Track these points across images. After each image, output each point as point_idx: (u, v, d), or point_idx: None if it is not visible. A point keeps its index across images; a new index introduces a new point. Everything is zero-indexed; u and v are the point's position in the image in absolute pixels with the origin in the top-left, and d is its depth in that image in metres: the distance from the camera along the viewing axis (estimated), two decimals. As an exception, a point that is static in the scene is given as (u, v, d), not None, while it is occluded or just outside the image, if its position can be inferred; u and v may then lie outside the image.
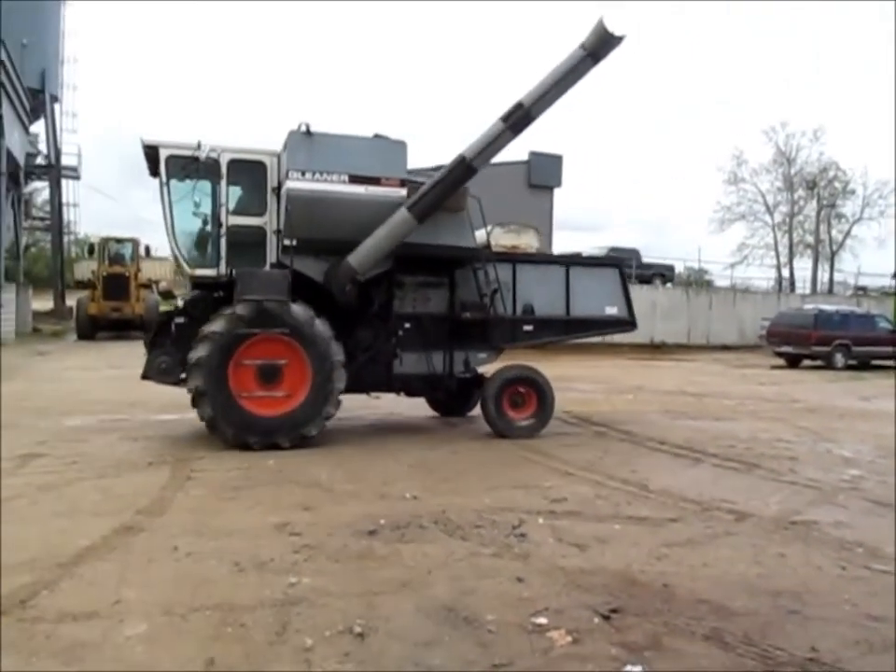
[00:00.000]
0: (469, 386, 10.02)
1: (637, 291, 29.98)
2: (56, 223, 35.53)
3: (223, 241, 8.51)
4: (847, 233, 49.90)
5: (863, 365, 22.87)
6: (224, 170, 8.48)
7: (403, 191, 8.43)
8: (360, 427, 10.23)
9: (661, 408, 12.55)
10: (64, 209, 36.09)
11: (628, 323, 10.56)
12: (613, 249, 31.72)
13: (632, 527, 5.54)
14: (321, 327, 8.22)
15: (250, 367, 8.09)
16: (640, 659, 3.42)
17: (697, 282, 41.52)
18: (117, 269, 26.22)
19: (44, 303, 33.67)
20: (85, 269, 30.99)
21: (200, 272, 8.67)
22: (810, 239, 49.52)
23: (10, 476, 6.76)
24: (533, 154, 35.03)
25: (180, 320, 8.76)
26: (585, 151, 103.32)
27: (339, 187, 8.21)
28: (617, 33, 7.77)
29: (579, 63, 8.05)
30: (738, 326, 32.35)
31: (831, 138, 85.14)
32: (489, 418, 9.32)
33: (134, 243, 27.13)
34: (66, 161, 35.08)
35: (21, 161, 29.20)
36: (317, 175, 8.13)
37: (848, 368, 22.30)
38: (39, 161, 34.33)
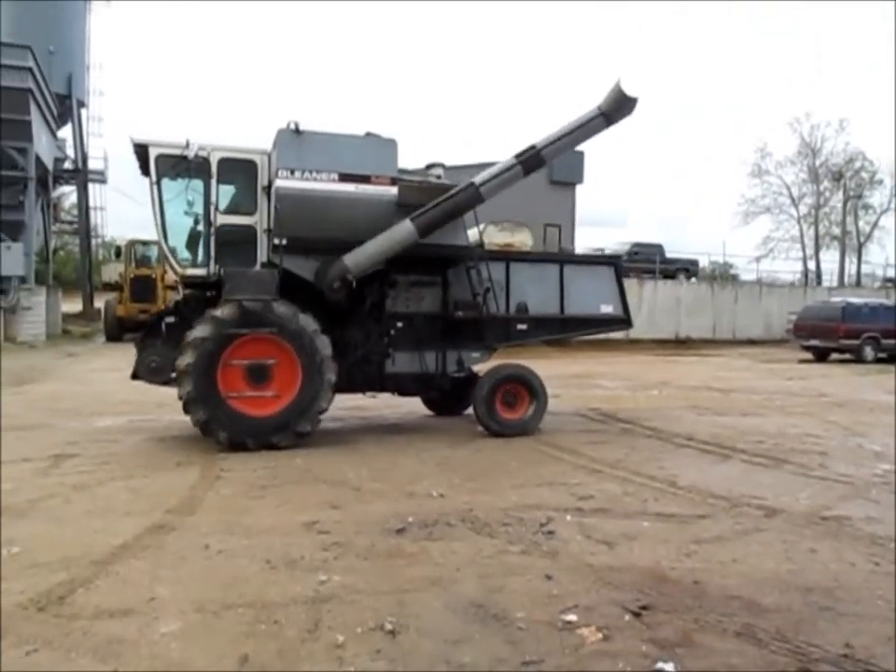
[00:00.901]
0: (465, 386, 9.87)
1: (661, 287, 29.90)
2: (84, 226, 36.03)
3: (213, 240, 8.48)
4: (875, 224, 49.21)
5: (893, 358, 22.49)
6: (214, 169, 8.42)
7: (394, 190, 8.38)
8: (384, 425, 10.28)
9: (687, 404, 12.46)
10: (92, 212, 36.57)
11: (623, 321, 10.49)
12: (637, 245, 31.57)
13: (660, 524, 5.52)
14: (305, 321, 8.16)
15: (239, 367, 8.04)
16: (672, 656, 3.41)
17: (722, 276, 41.13)
18: (143, 271, 26.51)
19: (73, 306, 34.19)
20: (112, 271, 31.34)
21: (191, 271, 8.65)
22: (837, 231, 48.88)
23: (44, 476, 6.89)
24: (554, 149, 34.84)
25: (171, 320, 8.76)
26: (608, 146, 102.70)
27: (329, 185, 8.16)
28: (631, 94, 8.34)
29: (592, 121, 8.67)
30: (764, 320, 32.00)
31: (856, 128, 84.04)
32: (480, 417, 9.24)
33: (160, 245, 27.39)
34: (93, 165, 35.56)
35: (50, 165, 29.66)
36: (307, 174, 8.09)
37: (878, 361, 21.97)
38: (67, 165, 34.80)
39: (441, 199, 8.63)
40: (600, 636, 3.61)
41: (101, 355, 21.86)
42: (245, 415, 8.02)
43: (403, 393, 9.96)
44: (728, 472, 7.40)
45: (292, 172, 8.04)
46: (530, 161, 8.72)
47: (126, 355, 22.42)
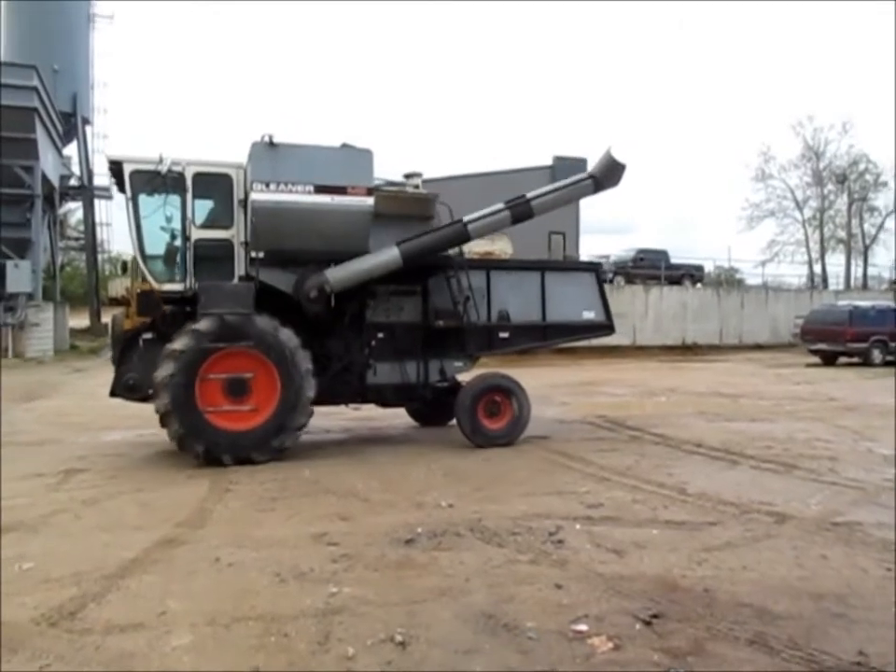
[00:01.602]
0: (448, 395, 9.74)
1: (667, 293, 29.86)
2: (90, 242, 36.22)
3: (190, 255, 8.45)
4: (881, 227, 49.09)
5: (902, 361, 22.42)
6: (189, 183, 8.39)
7: (370, 200, 8.36)
8: (392, 436, 10.29)
9: (695, 410, 12.43)
10: (98, 228, 36.77)
11: (606, 327, 10.41)
12: (641, 251, 31.56)
13: (670, 532, 5.51)
14: (285, 335, 8.14)
15: (217, 382, 8.00)
16: (683, 665, 3.41)
17: (728, 281, 41.03)
18: (149, 285, 26.60)
19: (80, 321, 34.33)
20: (119, 286, 31.42)
21: (168, 286, 8.57)
22: (842, 234, 48.68)
23: (54, 491, 6.92)
24: (557, 159, 34.96)
25: (148, 336, 8.68)
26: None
27: (304, 197, 8.14)
28: (621, 161, 9.08)
29: (582, 183, 9.43)
30: (771, 324, 31.91)
31: (860, 130, 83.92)
32: (462, 426, 9.17)
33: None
34: (99, 181, 35.74)
35: (56, 183, 29.86)
36: (282, 186, 8.07)
37: (886, 364, 21.86)
38: (73, 182, 35.05)
39: (428, 231, 8.88)
40: (611, 645, 3.60)
41: (109, 369, 21.82)
42: (223, 430, 7.95)
43: (385, 404, 9.93)
44: (737, 479, 7.38)
45: (267, 185, 8.03)
46: (519, 209, 9.18)
47: (134, 369, 22.22)
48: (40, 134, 25.20)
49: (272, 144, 8.07)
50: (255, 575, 4.60)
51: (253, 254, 8.31)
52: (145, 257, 8.56)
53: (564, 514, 5.94)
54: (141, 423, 10.91)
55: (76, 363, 23.29)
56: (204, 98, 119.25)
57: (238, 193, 8.52)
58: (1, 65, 26.15)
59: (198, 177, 8.44)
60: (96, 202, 35.88)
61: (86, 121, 35.48)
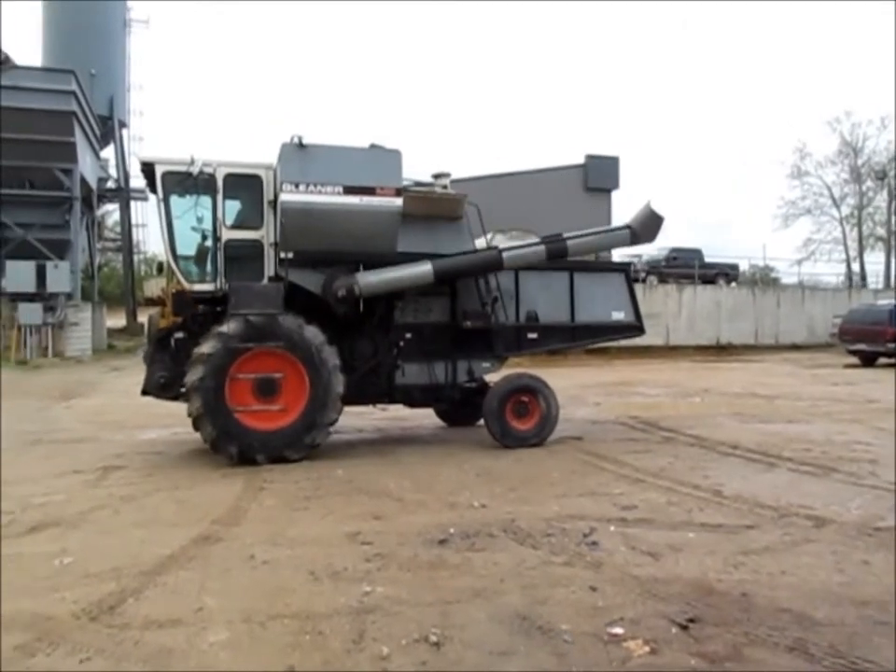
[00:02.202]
0: (476, 396, 9.78)
1: (701, 292, 29.50)
2: (127, 243, 36.92)
3: (221, 255, 8.51)
4: (923, 223, 47.84)
5: (944, 362, 21.87)
6: (220, 184, 8.45)
7: (399, 200, 8.36)
8: (424, 435, 10.30)
9: (730, 411, 12.25)
10: (134, 230, 37.44)
11: (636, 328, 10.33)
12: (675, 250, 31.19)
13: (706, 535, 5.43)
14: (310, 333, 8.17)
15: (247, 382, 8.06)
16: (721, 670, 3.35)
17: (763, 280, 40.42)
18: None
19: (117, 321, 34.94)
20: (154, 286, 31.92)
21: (199, 287, 8.65)
22: (881, 231, 47.62)
23: (92, 487, 7.05)
24: (589, 157, 34.78)
25: (179, 335, 8.78)
26: (644, 151, 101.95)
27: (333, 198, 8.16)
28: (660, 213, 9.49)
29: (620, 233, 9.83)
30: (808, 324, 31.34)
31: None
32: (489, 427, 9.14)
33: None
34: (135, 183, 36.37)
35: (94, 185, 30.47)
36: (311, 187, 8.10)
37: (928, 365, 21.35)
38: (110, 184, 35.73)
39: (463, 253, 9.03)
40: (647, 649, 3.56)
41: (144, 369, 22.24)
42: (255, 430, 8.02)
43: (413, 404, 9.94)
44: (775, 481, 7.25)
45: (297, 185, 8.07)
46: (554, 248, 9.33)
47: (169, 368, 22.57)
48: (78, 138, 25.70)
49: (301, 145, 8.12)
50: (289, 573, 4.63)
51: (282, 254, 8.36)
52: (176, 257, 8.64)
53: (598, 516, 5.89)
54: (176, 421, 11.05)
55: (113, 362, 23.70)
56: (235, 99, 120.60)
57: (268, 194, 8.57)
58: (42, 70, 26.81)
59: (228, 178, 8.52)
60: (132, 203, 36.55)
61: (122, 124, 36.15)
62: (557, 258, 9.43)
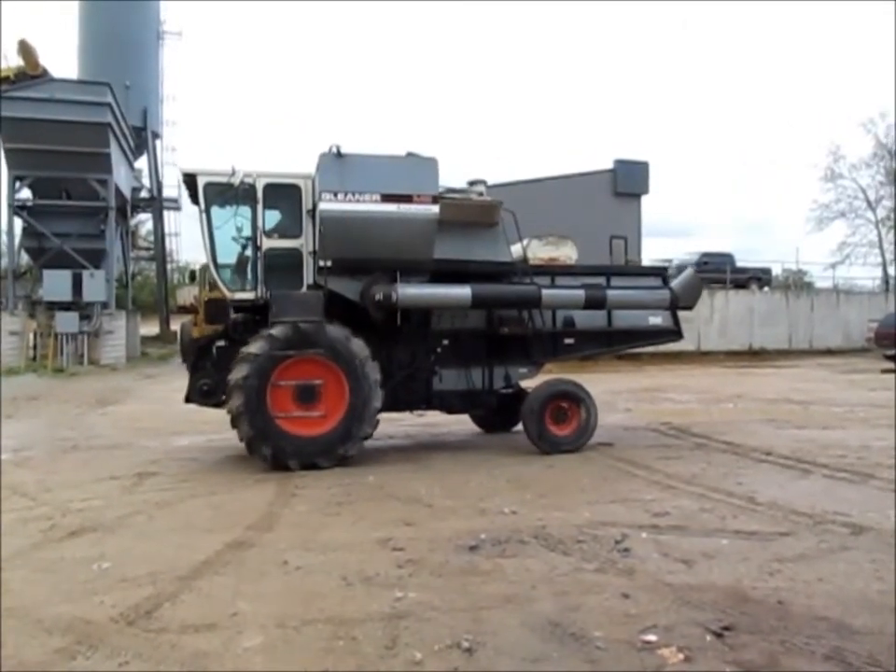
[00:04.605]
0: (512, 402, 9.81)
1: (733, 297, 29.15)
2: (160, 252, 37.49)
3: (261, 264, 8.64)
4: (959, 226, 46.73)
5: None
6: (260, 195, 8.59)
7: (435, 208, 8.41)
8: (454, 441, 10.31)
9: (763, 417, 12.09)
10: (167, 239, 38.01)
11: (673, 333, 10.24)
12: (706, 254, 30.89)
13: (740, 542, 5.37)
14: (357, 345, 8.26)
15: (287, 388, 8.16)
16: (757, 678, 3.32)
17: (797, 284, 39.80)
18: (217, 293, 27.30)
19: (150, 329, 35.48)
20: (187, 294, 32.37)
21: (239, 295, 8.81)
22: (919, 234, 46.67)
23: (128, 493, 7.18)
24: (618, 162, 34.52)
25: (221, 343, 8.95)
26: (674, 156, 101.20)
27: (371, 206, 8.23)
28: (701, 284, 10.17)
29: (659, 294, 9.79)
30: (843, 329, 30.81)
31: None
32: (529, 433, 9.13)
33: (232, 268, 28.24)
34: (168, 193, 36.97)
35: (128, 195, 31.01)
36: (349, 196, 8.18)
37: (968, 370, 20.85)
38: (143, 194, 36.31)
39: (504, 285, 9.17)
40: (681, 656, 3.53)
41: (178, 376, 22.51)
42: (291, 435, 8.11)
43: (450, 411, 9.95)
44: (810, 488, 7.15)
45: (335, 194, 8.16)
46: (593, 295, 9.23)
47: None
48: (113, 149, 26.19)
49: (339, 154, 8.22)
50: (322, 578, 4.67)
51: (321, 262, 8.46)
52: (217, 266, 8.81)
53: (629, 523, 5.85)
54: (209, 428, 11.22)
55: (146, 369, 24.11)
56: (266, 107, 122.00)
57: (306, 203, 8.71)
58: (77, 83, 27.38)
59: (268, 188, 8.67)
60: (165, 213, 37.11)
61: (156, 135, 36.76)
62: (594, 307, 9.37)
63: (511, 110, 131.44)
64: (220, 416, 11.78)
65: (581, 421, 9.19)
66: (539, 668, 3.44)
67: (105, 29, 33.77)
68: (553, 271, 9.98)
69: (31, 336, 24.45)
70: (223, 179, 8.54)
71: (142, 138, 34.92)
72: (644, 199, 36.12)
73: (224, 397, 8.36)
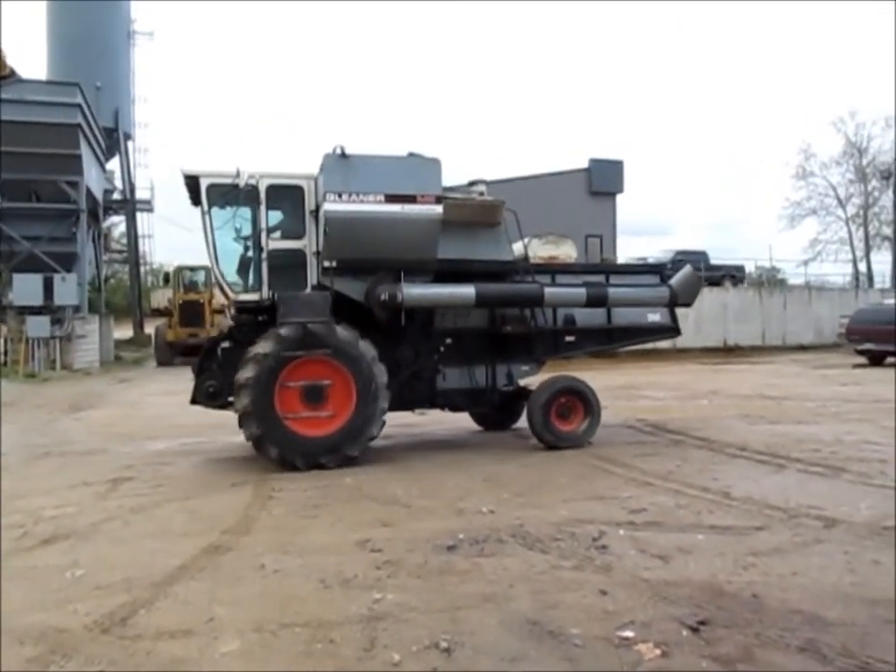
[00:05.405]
0: (513, 399, 9.95)
1: (707, 294, 29.39)
2: (133, 255, 37.13)
3: (265, 265, 8.63)
4: (928, 223, 47.64)
5: (954, 360, 21.74)
6: (263, 196, 8.59)
7: (439, 208, 8.45)
8: (431, 442, 10.31)
9: (738, 413, 12.22)
10: (140, 241, 37.69)
11: (672, 329, 10.42)
12: (680, 252, 31.18)
13: (716, 537, 5.42)
14: (365, 347, 8.29)
15: (295, 388, 8.18)
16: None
17: (770, 281, 40.29)
18: (191, 296, 27.11)
19: (124, 332, 35.11)
20: (161, 297, 32.17)
21: (243, 296, 8.81)
22: (888, 231, 47.49)
23: (102, 499, 7.07)
24: (593, 161, 34.77)
25: (226, 345, 8.93)
26: (648, 155, 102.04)
27: (375, 206, 8.27)
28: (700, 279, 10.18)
29: (659, 292, 9.88)
30: (815, 325, 31.22)
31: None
32: (536, 430, 9.21)
33: (207, 270, 28.01)
34: (140, 194, 36.67)
35: (100, 197, 30.60)
36: (354, 196, 8.21)
37: (937, 364, 21.24)
38: (115, 196, 35.92)
39: (508, 285, 9.21)
40: (658, 652, 3.56)
41: (153, 379, 22.37)
42: (298, 435, 8.15)
43: (455, 409, 10.01)
44: (784, 482, 7.24)
45: (340, 195, 8.17)
46: (594, 292, 9.30)
47: (177, 379, 22.94)
48: (84, 150, 25.83)
49: (344, 155, 8.24)
50: (300, 581, 4.64)
51: (326, 263, 8.47)
52: (220, 268, 8.81)
53: (606, 520, 5.89)
54: (185, 432, 11.12)
55: (120, 374, 23.82)
56: (239, 108, 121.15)
57: (309, 204, 8.73)
58: (47, 84, 27.01)
59: (271, 189, 8.66)
60: (138, 215, 36.77)
61: (127, 136, 36.40)
62: (596, 305, 9.46)
63: (486, 108, 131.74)
64: (194, 421, 11.71)
65: (584, 416, 9.32)
66: (517, 667, 3.45)
67: (75, 29, 33.37)
68: (553, 269, 10.09)
69: (1, 341, 24.05)
70: (226, 181, 8.54)
71: (113, 139, 34.53)
72: (619, 198, 36.43)
73: (230, 398, 8.40)
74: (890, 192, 46.95)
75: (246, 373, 8.00)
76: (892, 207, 46.68)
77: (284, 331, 8.11)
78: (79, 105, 25.03)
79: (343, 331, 8.27)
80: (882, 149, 47.00)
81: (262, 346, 8.09)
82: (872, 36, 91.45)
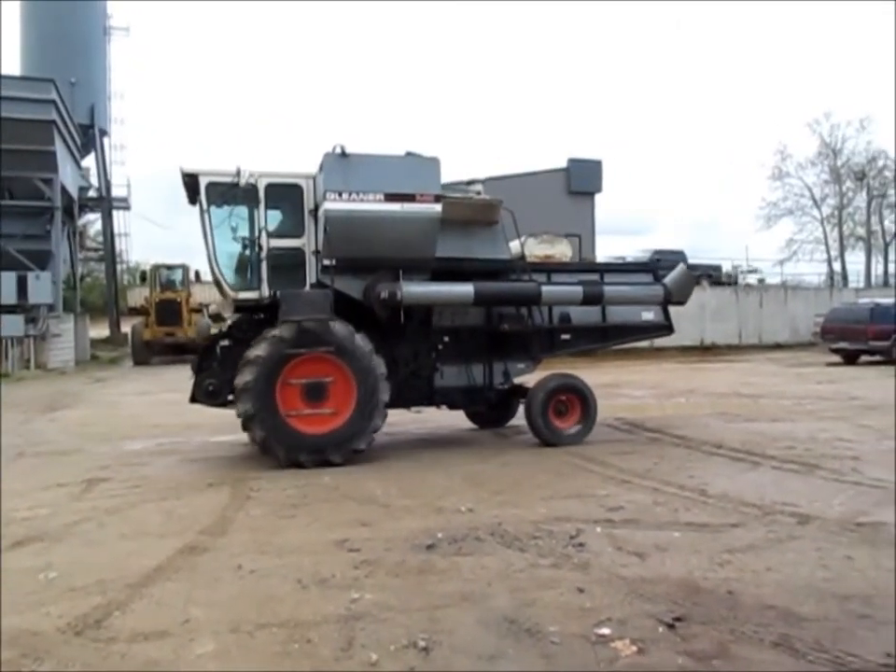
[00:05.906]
0: (508, 397, 10.04)
1: (684, 293, 29.62)
2: (109, 253, 36.69)
3: (264, 264, 8.64)
4: (901, 223, 48.39)
5: (925, 358, 22.06)
6: (262, 194, 8.61)
7: (438, 207, 8.51)
8: (411, 440, 10.30)
9: (715, 411, 12.34)
10: (116, 239, 37.24)
11: (665, 327, 10.52)
12: (658, 252, 31.39)
13: (692, 534, 5.47)
14: (361, 341, 8.33)
15: (297, 386, 8.21)
16: (708, 668, 3.38)
17: (735, 279, 40.63)
18: (168, 295, 26.89)
19: (100, 331, 34.70)
20: (138, 296, 31.86)
21: (243, 295, 8.81)
22: (861, 231, 48.25)
23: (77, 500, 6.99)
24: (572, 161, 34.93)
25: (225, 343, 8.95)
26: (626, 155, 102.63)
27: (375, 205, 8.31)
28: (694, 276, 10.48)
29: (653, 290, 9.97)
30: (791, 324, 31.58)
31: (878, 127, 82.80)
32: (535, 428, 9.28)
33: (185, 268, 27.77)
34: (117, 192, 36.23)
35: (75, 194, 30.23)
36: (353, 195, 8.24)
37: (909, 362, 21.55)
38: (91, 193, 35.47)
39: (506, 283, 9.31)
40: (635, 648, 3.59)
41: (129, 379, 22.15)
42: (303, 433, 8.17)
43: (452, 406, 10.06)
44: (759, 480, 7.31)
45: (339, 194, 8.20)
46: (590, 290, 9.38)
47: (154, 378, 22.83)
48: (59, 147, 25.51)
49: (343, 154, 8.25)
50: (277, 581, 4.62)
51: (325, 262, 8.47)
52: (220, 266, 8.78)
53: (584, 518, 5.92)
54: (162, 432, 11.02)
55: (96, 373, 23.55)
56: (218, 105, 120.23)
57: (308, 203, 8.75)
58: (20, 79, 26.62)
59: (270, 188, 8.68)
60: (115, 212, 36.33)
61: (103, 133, 35.97)
62: (592, 303, 9.55)
63: (462, 107, 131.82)
64: (171, 421, 11.61)
65: (582, 413, 9.41)
66: (494, 666, 3.46)
67: (50, 24, 32.93)
68: (549, 268, 10.15)
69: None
70: (225, 179, 8.51)
71: (89, 136, 34.14)
72: (597, 197, 36.62)
73: (230, 396, 8.40)
74: (864, 193, 47.68)
75: (245, 377, 7.99)
76: (866, 208, 47.43)
77: (282, 331, 8.10)
78: (53, 101, 24.71)
79: (339, 327, 8.27)
80: (856, 151, 47.73)
81: (258, 349, 8.08)
82: (847, 39, 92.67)
